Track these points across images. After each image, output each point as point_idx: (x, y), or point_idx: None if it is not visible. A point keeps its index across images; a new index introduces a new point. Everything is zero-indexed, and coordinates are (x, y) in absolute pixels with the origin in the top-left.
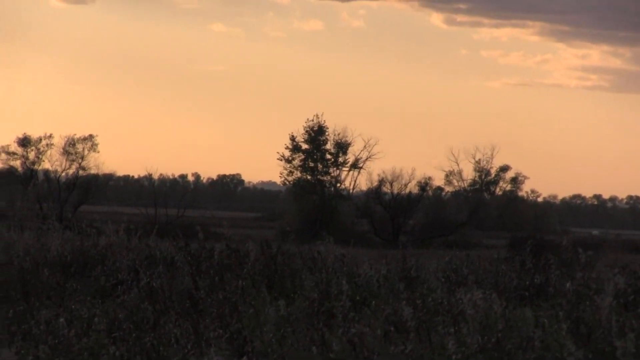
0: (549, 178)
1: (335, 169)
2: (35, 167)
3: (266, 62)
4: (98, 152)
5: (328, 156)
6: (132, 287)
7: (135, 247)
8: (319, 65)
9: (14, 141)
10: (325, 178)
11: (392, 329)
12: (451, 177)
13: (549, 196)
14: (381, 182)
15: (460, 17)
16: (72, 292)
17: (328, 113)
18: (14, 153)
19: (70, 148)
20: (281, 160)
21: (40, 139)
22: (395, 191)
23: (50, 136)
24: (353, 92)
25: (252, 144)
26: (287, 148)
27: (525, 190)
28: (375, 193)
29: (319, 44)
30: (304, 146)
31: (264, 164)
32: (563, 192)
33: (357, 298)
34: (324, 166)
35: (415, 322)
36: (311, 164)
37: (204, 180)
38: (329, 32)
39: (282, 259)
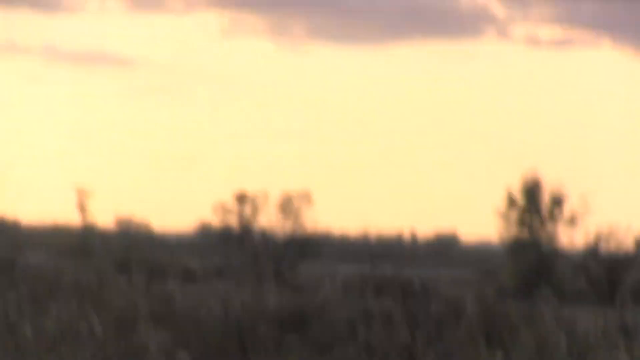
0: None
1: (551, 224)
2: (251, 223)
3: (481, 110)
4: (314, 208)
5: (544, 212)
6: (349, 342)
7: (352, 303)
8: (533, 115)
9: (233, 197)
10: (541, 234)
11: None
12: None
13: None
14: (597, 239)
15: None
16: (289, 346)
17: (542, 165)
18: (229, 210)
19: (287, 205)
20: (497, 216)
21: (256, 195)
22: (612, 248)
23: (266, 192)
24: (567, 144)
25: (468, 197)
26: (503, 204)
27: None
28: (591, 250)
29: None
30: (520, 202)
31: (479, 219)
32: None
33: (574, 350)
34: (540, 222)
35: None
36: (527, 220)
37: (420, 239)
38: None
39: (500, 313)
